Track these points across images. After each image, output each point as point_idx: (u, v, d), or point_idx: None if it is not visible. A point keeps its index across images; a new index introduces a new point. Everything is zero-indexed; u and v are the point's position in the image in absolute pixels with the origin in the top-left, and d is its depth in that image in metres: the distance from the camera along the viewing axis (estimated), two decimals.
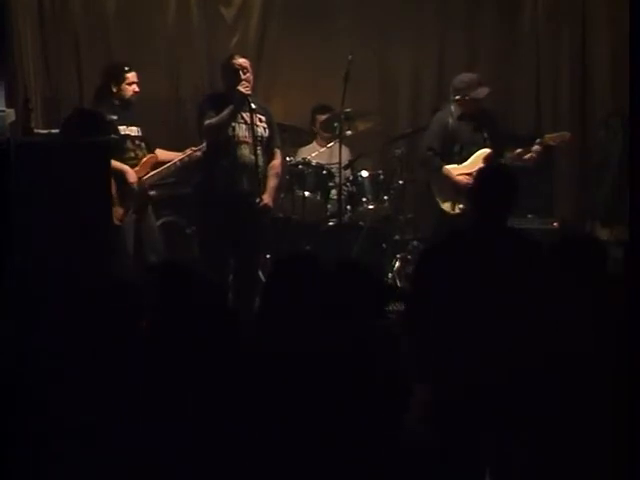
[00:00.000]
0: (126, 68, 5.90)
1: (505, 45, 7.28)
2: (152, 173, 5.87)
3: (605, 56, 7.09)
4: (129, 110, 5.91)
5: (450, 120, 6.18)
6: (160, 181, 5.99)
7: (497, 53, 7.25)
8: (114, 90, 5.88)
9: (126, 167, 5.74)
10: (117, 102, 5.87)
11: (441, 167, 6.16)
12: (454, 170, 6.12)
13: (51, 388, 3.09)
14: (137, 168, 5.83)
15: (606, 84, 7.11)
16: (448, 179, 6.11)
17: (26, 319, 3.36)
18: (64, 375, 3.10)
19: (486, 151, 6.18)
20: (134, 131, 5.90)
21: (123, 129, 5.81)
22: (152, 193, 5.93)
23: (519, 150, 6.14)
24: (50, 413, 3.07)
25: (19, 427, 3.05)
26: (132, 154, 5.87)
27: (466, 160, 6.17)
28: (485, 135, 6.23)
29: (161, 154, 6.01)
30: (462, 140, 6.21)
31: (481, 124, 6.24)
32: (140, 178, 5.81)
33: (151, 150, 5.99)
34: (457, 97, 6.16)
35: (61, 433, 3.04)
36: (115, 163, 5.41)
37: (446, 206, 6.12)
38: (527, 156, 6.11)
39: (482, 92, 6.16)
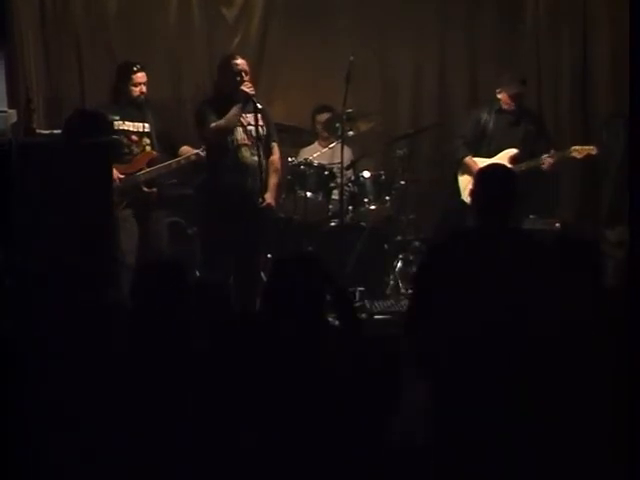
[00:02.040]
0: (135, 68, 5.82)
1: (505, 45, 7.28)
2: (148, 170, 5.80)
3: (605, 56, 7.09)
4: (131, 106, 5.84)
5: (485, 114, 6.41)
6: (161, 179, 5.89)
7: (497, 53, 7.25)
8: (120, 88, 5.84)
9: None
10: (122, 100, 5.82)
11: (465, 157, 6.32)
12: (479, 162, 6.20)
13: (51, 387, 3.10)
14: (129, 164, 5.77)
15: (607, 84, 7.11)
16: (469, 169, 6.24)
17: (26, 319, 3.37)
18: (64, 374, 3.11)
19: (513, 151, 6.32)
20: (137, 127, 5.84)
21: (119, 124, 5.75)
22: (149, 190, 5.80)
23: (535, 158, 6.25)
24: (51, 413, 3.08)
25: (19, 427, 3.05)
26: (126, 150, 5.80)
27: (494, 155, 6.28)
28: (520, 134, 6.37)
29: (186, 151, 5.85)
30: (493, 134, 6.39)
31: (518, 122, 6.40)
32: (130, 174, 5.74)
33: (166, 146, 5.91)
34: (496, 92, 6.40)
35: (61, 433, 3.05)
36: None
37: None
38: (544, 164, 6.21)
39: (511, 89, 6.35)
